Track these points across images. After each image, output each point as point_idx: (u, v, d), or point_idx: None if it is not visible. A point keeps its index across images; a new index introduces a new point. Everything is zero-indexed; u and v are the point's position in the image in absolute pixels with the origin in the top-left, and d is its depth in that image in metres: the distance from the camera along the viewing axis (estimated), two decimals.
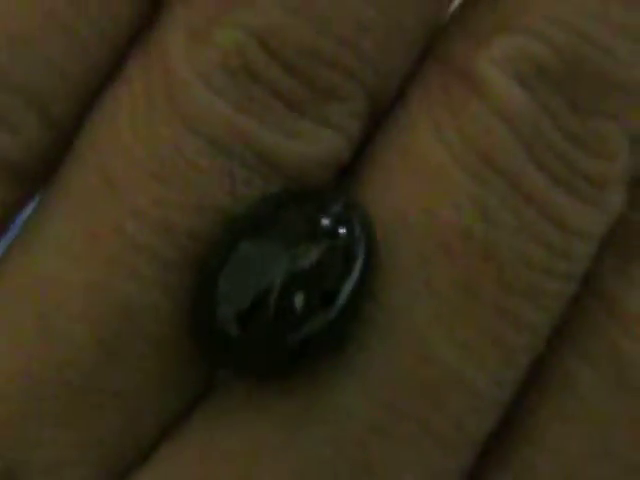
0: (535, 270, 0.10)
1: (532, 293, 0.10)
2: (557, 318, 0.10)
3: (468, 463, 0.10)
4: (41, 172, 0.10)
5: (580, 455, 0.10)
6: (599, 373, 0.10)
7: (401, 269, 0.09)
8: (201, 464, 0.09)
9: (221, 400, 0.10)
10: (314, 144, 0.09)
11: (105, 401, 0.09)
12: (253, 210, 0.09)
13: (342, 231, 0.09)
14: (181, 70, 0.09)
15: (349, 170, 0.10)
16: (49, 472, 0.09)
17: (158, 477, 0.09)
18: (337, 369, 0.09)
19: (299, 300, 0.09)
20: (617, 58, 0.10)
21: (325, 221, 0.09)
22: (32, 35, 0.09)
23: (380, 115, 0.10)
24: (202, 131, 0.09)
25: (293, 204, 0.09)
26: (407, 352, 0.09)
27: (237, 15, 0.09)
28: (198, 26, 0.09)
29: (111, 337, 0.09)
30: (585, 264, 0.10)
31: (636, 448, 0.10)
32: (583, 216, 0.10)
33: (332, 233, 0.09)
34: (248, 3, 0.09)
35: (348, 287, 0.09)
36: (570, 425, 0.10)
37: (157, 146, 0.09)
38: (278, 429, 0.09)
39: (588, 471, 0.10)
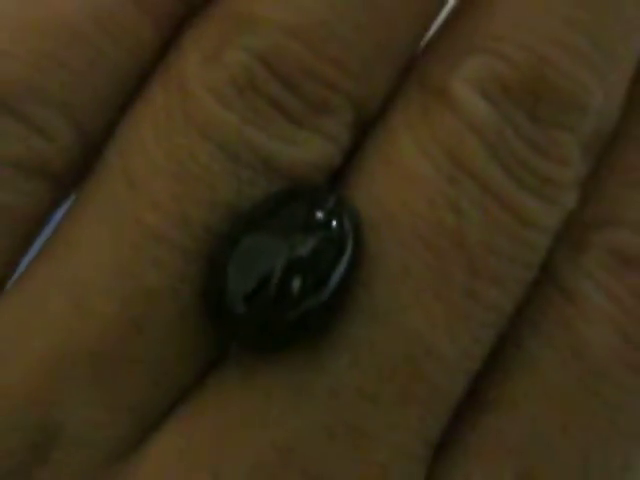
0: (500, 258, 0.11)
1: (498, 278, 0.11)
2: (519, 301, 0.11)
3: (444, 425, 0.11)
4: (74, 177, 0.11)
5: (542, 424, 0.11)
6: (557, 353, 0.11)
7: (384, 257, 0.11)
8: (213, 425, 0.11)
9: (231, 370, 0.11)
10: (309, 150, 0.11)
11: (132, 369, 0.11)
12: (257, 206, 0.11)
13: (333, 224, 0.11)
14: (195, 87, 0.11)
15: (341, 173, 0.12)
16: (82, 432, 0.11)
17: (175, 434, 0.11)
18: (331, 344, 0.11)
19: (296, 283, 0.10)
20: (573, 80, 0.11)
21: (319, 215, 0.11)
22: (62, 54, 0.11)
23: (367, 126, 0.12)
24: (214, 139, 0.11)
25: (291, 201, 0.11)
26: (389, 329, 0.11)
27: (243, 38, 0.11)
28: (210, 49, 0.11)
29: (137, 315, 0.10)
30: (543, 254, 0.11)
31: (592, 423, 0.12)
32: (542, 213, 0.11)
33: (325, 226, 0.11)
34: (252, 28, 0.11)
35: (339, 272, 0.10)
36: (532, 400, 0.11)
37: (175, 152, 0.11)
38: (281, 397, 0.11)
39: (550, 440, 0.12)
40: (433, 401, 0.11)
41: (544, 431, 0.11)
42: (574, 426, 0.11)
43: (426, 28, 0.12)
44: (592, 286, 0.11)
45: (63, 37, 0.11)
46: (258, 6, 0.11)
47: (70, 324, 0.11)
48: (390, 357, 0.11)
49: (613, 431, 0.11)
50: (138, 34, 0.11)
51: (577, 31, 0.11)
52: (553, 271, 0.12)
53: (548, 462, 0.11)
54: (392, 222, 0.11)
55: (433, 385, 0.11)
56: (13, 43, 0.11)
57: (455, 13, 0.12)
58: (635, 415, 0.11)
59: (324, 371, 0.11)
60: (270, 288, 0.10)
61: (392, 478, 0.11)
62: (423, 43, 0.12)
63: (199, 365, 0.11)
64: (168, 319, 0.11)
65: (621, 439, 0.12)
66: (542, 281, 0.11)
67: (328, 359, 0.11)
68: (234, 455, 0.11)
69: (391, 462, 0.11)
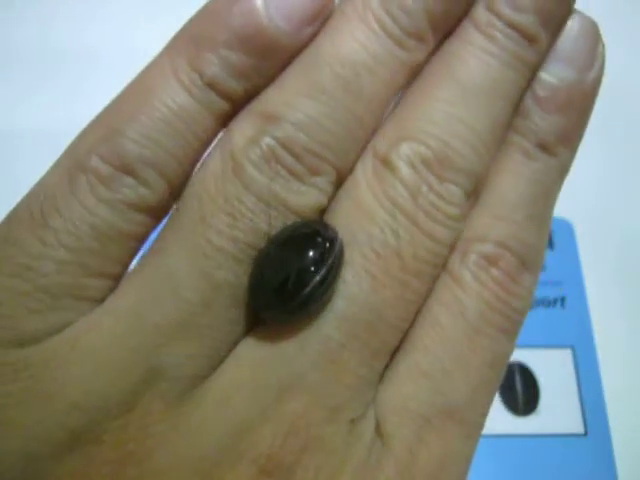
0: (420, 261, 0.18)
1: (418, 273, 0.18)
2: (430, 285, 0.19)
3: (386, 361, 0.19)
4: (165, 211, 0.18)
5: (443, 353, 0.19)
6: (451, 314, 0.19)
7: (353, 262, 0.18)
8: (252, 359, 0.17)
9: (263, 328, 0.18)
10: (308, 198, 0.18)
11: (205, 330, 0.17)
12: (280, 231, 0.18)
13: (320, 240, 0.17)
14: (241, 158, 0.17)
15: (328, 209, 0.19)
16: (176, 371, 0.17)
17: (231, 365, 0.17)
18: (320, 316, 0.18)
19: (302, 278, 0.17)
20: (461, 157, 0.19)
21: (314, 235, 0.17)
22: (157, 137, 0.18)
23: (343, 180, 0.19)
24: (252, 191, 0.17)
25: (300, 228, 0.18)
26: (357, 304, 0.18)
27: (270, 130, 0.18)
28: (250, 134, 0.18)
29: (209, 298, 0.17)
30: (444, 258, 0.19)
31: (472, 357, 0.19)
32: (442, 233, 0.19)
33: (317, 241, 0.17)
34: (275, 123, 0.18)
35: (325, 268, 0.17)
36: (437, 339, 0.19)
37: (228, 197, 0.17)
38: (291, 341, 0.17)
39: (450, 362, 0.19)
40: (384, 345, 0.18)
41: (444, 356, 0.19)
42: (461, 355, 0.19)
43: (380, 120, 0.19)
44: (470, 275, 0.19)
45: (159, 127, 0.18)
46: (279, 108, 0.18)
47: (166, 308, 0.17)
48: (355, 318, 0.18)
49: (485, 352, 0.19)
50: (203, 125, 0.18)
51: (465, 127, 0.19)
52: (449, 267, 0.19)
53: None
54: (358, 241, 0.18)
55: (384, 338, 0.18)
56: (128, 125, 0.18)
57: (394, 108, 0.20)
58: (492, 343, 0.19)
59: (317, 327, 0.17)
60: (288, 282, 0.17)
61: (358, 388, 0.18)
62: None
63: (244, 327, 0.18)
64: (227, 300, 0.17)
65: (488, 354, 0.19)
66: (442, 274, 0.19)
67: (320, 324, 0.18)
68: (265, 366, 0.17)
69: (355, 371, 0.18)
